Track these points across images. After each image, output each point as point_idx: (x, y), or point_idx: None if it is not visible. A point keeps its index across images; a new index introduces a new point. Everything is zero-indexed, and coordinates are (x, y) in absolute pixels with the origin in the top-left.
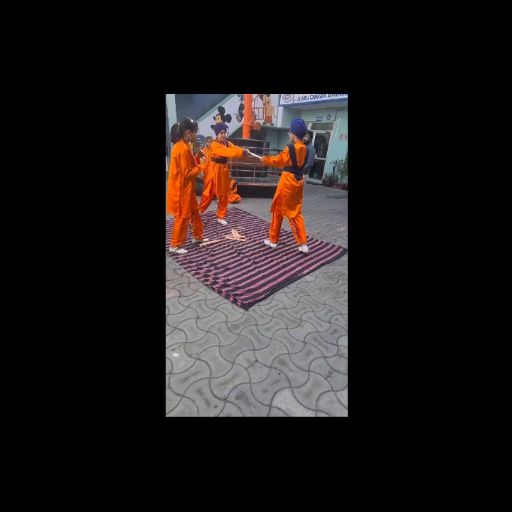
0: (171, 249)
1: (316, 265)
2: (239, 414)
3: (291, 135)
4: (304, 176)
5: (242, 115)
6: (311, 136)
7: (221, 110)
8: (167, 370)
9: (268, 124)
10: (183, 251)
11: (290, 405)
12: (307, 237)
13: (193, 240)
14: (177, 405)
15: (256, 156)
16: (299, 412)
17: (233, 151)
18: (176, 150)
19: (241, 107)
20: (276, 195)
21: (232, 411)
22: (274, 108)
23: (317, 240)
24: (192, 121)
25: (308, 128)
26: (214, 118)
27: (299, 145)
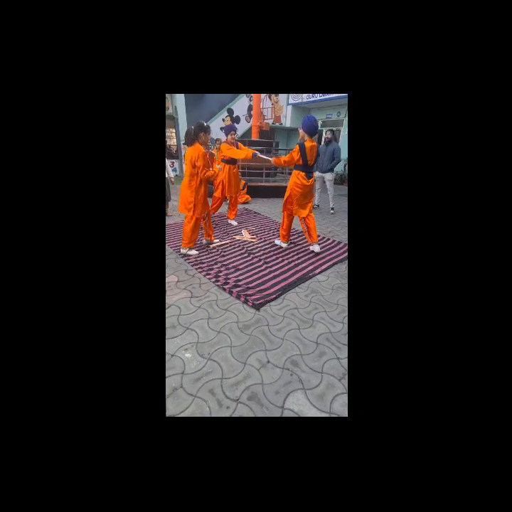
0: (183, 251)
1: (328, 264)
2: (251, 416)
3: (301, 132)
4: (314, 175)
5: (251, 116)
6: (333, 133)
7: (230, 112)
8: (179, 370)
9: (277, 124)
10: (194, 252)
11: (303, 407)
12: (318, 236)
13: (204, 241)
14: (189, 405)
15: (266, 157)
16: (312, 414)
17: (243, 153)
18: (193, 152)
19: (250, 108)
20: (286, 194)
21: (244, 412)
22: (282, 107)
23: (329, 239)
24: (205, 124)
25: (319, 126)
26: (223, 120)
27: (309, 143)
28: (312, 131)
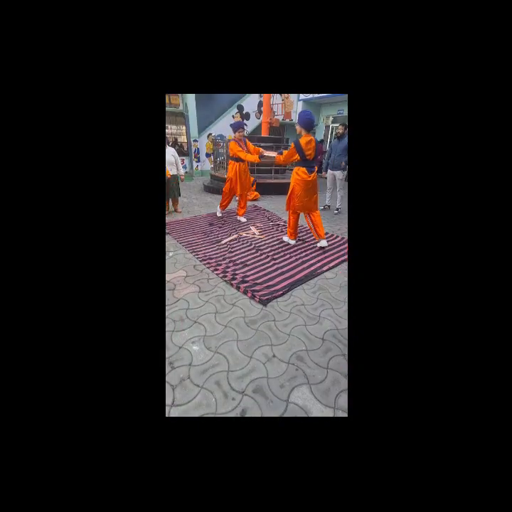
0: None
1: (335, 262)
2: (256, 408)
3: (298, 128)
4: (315, 168)
5: (260, 112)
6: (345, 128)
7: (240, 108)
8: (187, 362)
9: (287, 120)
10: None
11: (308, 402)
12: (327, 233)
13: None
14: (196, 396)
15: (272, 154)
16: (316, 409)
17: (251, 157)
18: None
19: (260, 104)
20: (289, 192)
21: (249, 404)
22: (293, 103)
23: (337, 236)
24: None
25: (329, 122)
26: (233, 116)
27: (305, 139)
28: (308, 125)
